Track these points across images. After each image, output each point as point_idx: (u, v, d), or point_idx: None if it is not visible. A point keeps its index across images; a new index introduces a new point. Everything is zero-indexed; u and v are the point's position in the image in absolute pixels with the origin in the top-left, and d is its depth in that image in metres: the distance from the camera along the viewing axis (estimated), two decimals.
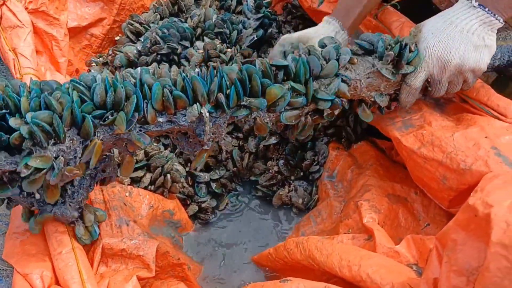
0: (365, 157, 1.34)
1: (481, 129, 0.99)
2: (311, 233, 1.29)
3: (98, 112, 0.87)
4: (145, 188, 1.27)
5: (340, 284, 0.89)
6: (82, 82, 0.88)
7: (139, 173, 1.29)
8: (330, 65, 1.01)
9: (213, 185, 1.39)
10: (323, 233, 1.27)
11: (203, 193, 1.38)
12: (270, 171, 1.42)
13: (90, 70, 1.53)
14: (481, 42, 1.03)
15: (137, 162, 1.30)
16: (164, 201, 1.27)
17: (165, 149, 1.39)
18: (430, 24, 1.07)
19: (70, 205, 0.94)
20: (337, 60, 1.03)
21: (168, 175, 1.29)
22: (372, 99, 1.08)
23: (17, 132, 0.78)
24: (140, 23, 1.56)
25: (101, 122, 0.87)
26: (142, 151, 1.31)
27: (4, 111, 0.80)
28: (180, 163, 1.37)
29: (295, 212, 1.38)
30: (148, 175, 1.29)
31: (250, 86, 0.95)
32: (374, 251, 0.99)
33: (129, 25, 1.57)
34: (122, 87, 0.88)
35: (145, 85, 0.91)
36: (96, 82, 0.88)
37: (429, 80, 1.06)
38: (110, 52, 1.57)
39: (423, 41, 1.06)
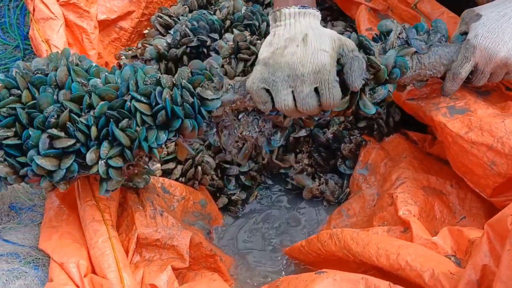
0: (398, 149, 1.32)
1: None
2: (343, 226, 1.28)
3: (163, 138, 0.94)
4: (176, 180, 1.27)
5: (377, 277, 0.88)
6: (142, 98, 0.92)
7: (170, 165, 1.29)
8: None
9: (243, 177, 1.39)
10: (356, 226, 1.25)
11: (233, 185, 1.38)
12: (300, 163, 1.41)
13: (119, 63, 1.54)
14: None
15: (168, 154, 1.31)
16: (195, 193, 1.27)
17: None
18: (484, 13, 1.04)
19: None
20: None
21: (199, 167, 1.29)
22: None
23: (96, 170, 0.91)
24: (169, 16, 1.56)
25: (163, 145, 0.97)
26: (173, 144, 1.31)
27: (78, 145, 0.91)
28: (209, 155, 1.37)
29: (326, 206, 1.37)
30: (179, 167, 1.29)
31: None
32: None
33: (158, 18, 1.57)
34: (187, 122, 0.94)
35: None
36: (156, 100, 0.92)
37: (472, 69, 1.04)
38: (139, 45, 1.58)
39: (474, 29, 1.03)
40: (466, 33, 1.06)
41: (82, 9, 1.41)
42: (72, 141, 0.90)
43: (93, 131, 0.90)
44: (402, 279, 0.89)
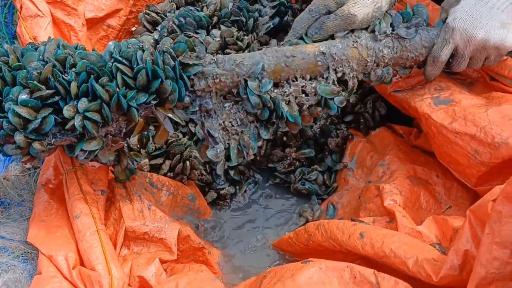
0: (384, 142, 1.34)
1: None
2: (330, 219, 1.29)
3: (142, 99, 0.94)
4: (164, 175, 1.28)
5: (363, 266, 0.89)
6: (124, 60, 0.94)
7: (159, 160, 1.30)
8: None
9: (231, 172, 1.40)
10: (343, 218, 1.26)
11: (222, 180, 1.39)
12: (288, 158, 1.42)
13: None
14: (509, 20, 1.02)
15: (156, 149, 1.31)
16: (184, 187, 1.28)
17: (184, 136, 1.39)
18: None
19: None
20: None
21: (187, 162, 1.30)
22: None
23: (72, 123, 0.90)
24: (157, 13, 1.56)
25: (145, 106, 0.96)
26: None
27: (57, 98, 0.91)
28: (198, 150, 1.38)
29: (314, 199, 1.38)
30: (167, 162, 1.30)
31: None
32: None
33: (145, 15, 1.57)
34: (167, 82, 0.94)
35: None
36: (137, 62, 0.94)
37: (452, 53, 1.06)
38: None
39: (453, 13, 1.06)
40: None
41: (69, 6, 1.41)
42: (51, 92, 0.90)
43: (73, 86, 0.90)
44: (387, 268, 0.91)
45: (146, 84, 0.94)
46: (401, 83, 1.17)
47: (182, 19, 1.44)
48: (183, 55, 0.97)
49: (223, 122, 1.03)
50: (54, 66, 0.92)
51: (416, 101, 1.10)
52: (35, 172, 1.22)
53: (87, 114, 0.90)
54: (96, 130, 0.92)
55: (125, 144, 1.23)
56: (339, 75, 1.04)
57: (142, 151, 1.30)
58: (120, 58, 0.93)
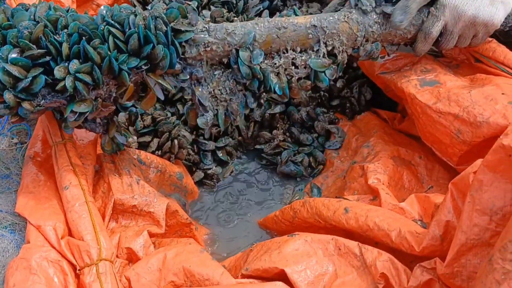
0: (369, 126, 1.37)
1: (497, 86, 1.02)
2: None
3: (134, 63, 0.94)
4: (152, 153, 1.28)
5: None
6: (116, 24, 0.94)
7: (147, 138, 1.30)
8: None
9: (219, 153, 1.41)
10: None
11: (209, 160, 1.40)
12: (275, 140, 1.44)
13: None
14: None
15: (144, 127, 1.32)
16: (171, 166, 1.29)
17: (172, 115, 1.40)
18: None
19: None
20: None
21: (175, 141, 1.31)
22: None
23: (62, 84, 0.89)
24: None
25: (136, 71, 0.96)
26: (150, 117, 1.33)
27: (48, 58, 0.90)
28: (186, 130, 1.39)
29: (299, 180, 1.40)
30: (156, 140, 1.30)
31: None
32: None
33: None
34: (159, 48, 0.94)
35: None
36: (129, 26, 0.94)
37: (442, 30, 1.08)
38: None
39: None
40: None
41: None
42: (42, 51, 0.89)
43: (65, 47, 0.90)
44: (370, 241, 0.93)
45: (137, 49, 0.94)
46: (389, 64, 1.20)
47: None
48: (175, 21, 0.98)
49: (213, 90, 1.04)
50: (45, 26, 0.91)
51: (403, 82, 1.12)
52: (22, 147, 1.22)
53: (78, 75, 0.89)
54: (86, 92, 0.91)
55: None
56: (329, 48, 1.05)
57: (131, 128, 1.31)
58: (112, 22, 0.93)
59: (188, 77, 1.02)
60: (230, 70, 1.04)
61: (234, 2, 1.44)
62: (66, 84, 0.89)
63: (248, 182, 1.41)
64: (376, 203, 1.06)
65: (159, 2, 1.45)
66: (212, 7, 1.43)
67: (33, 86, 0.89)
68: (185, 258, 0.94)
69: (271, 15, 1.56)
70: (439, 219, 0.79)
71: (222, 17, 1.35)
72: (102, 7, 0.98)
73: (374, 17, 1.07)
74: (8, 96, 0.88)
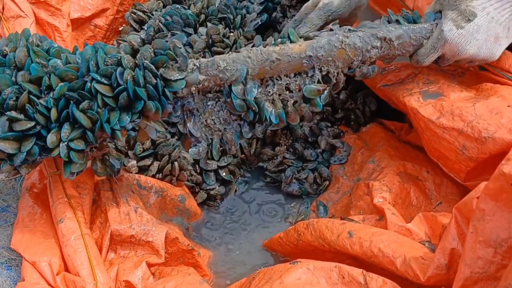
0: (375, 139, 1.33)
1: (502, 98, 0.97)
2: (322, 217, 1.28)
3: (126, 120, 0.92)
4: (153, 176, 1.26)
5: (352, 265, 0.88)
6: (103, 80, 0.90)
7: (147, 162, 1.28)
8: None
9: (221, 172, 1.38)
10: (334, 217, 1.25)
11: (212, 180, 1.37)
12: (278, 156, 1.40)
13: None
14: (504, 33, 1.00)
15: (144, 150, 1.29)
16: (173, 189, 1.26)
17: (172, 137, 1.38)
18: (465, 5, 1.00)
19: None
20: None
21: (176, 163, 1.28)
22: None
23: (56, 152, 0.89)
24: (143, 12, 1.55)
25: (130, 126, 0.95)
26: (149, 140, 1.30)
27: (38, 128, 0.90)
28: (187, 151, 1.36)
29: (305, 198, 1.37)
30: (156, 163, 1.28)
31: None
32: None
33: (132, 14, 1.55)
34: (150, 104, 0.92)
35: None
36: (117, 81, 0.90)
37: (438, 56, 1.05)
38: (115, 43, 1.56)
39: (449, 21, 1.02)
40: (439, 12, 1.06)
41: (53, 7, 1.40)
42: (32, 124, 0.88)
43: (53, 113, 0.88)
44: (376, 267, 0.89)
45: (128, 104, 0.92)
46: (390, 76, 1.16)
47: (168, 18, 1.42)
48: (164, 66, 0.94)
49: (206, 120, 1.01)
50: (29, 92, 0.89)
51: (405, 95, 1.08)
52: (21, 176, 1.20)
53: (71, 144, 0.89)
54: (81, 158, 0.91)
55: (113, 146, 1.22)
56: (324, 73, 1.02)
57: (130, 152, 1.28)
58: (98, 78, 0.90)
59: (180, 111, 0.99)
60: (224, 100, 1.01)
61: (232, 17, 1.41)
62: (61, 153, 0.88)
63: (253, 202, 1.38)
64: (382, 224, 1.02)
65: (156, 21, 1.44)
66: (209, 24, 1.40)
67: (28, 157, 0.89)
68: None
69: (271, 28, 1.53)
70: (444, 247, 0.75)
71: (218, 34, 1.32)
72: (87, 47, 0.94)
73: (377, 44, 1.03)
74: (6, 168, 0.89)
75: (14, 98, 0.88)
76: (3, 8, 1.28)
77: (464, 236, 0.74)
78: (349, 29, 1.04)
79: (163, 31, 1.41)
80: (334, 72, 1.01)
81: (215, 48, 1.31)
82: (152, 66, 0.92)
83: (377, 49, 1.03)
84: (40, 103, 0.89)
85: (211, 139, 1.02)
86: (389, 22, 1.07)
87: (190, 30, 1.41)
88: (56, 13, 1.40)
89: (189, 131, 1.00)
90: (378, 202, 1.06)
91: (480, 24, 0.99)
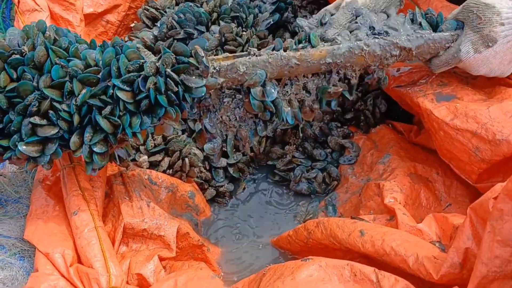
0: (385, 140, 1.33)
1: None
2: (331, 216, 1.28)
3: (147, 123, 0.93)
4: (164, 172, 1.27)
5: (362, 264, 0.88)
6: (125, 87, 0.91)
7: (158, 157, 1.29)
8: None
9: (231, 169, 1.39)
10: (343, 216, 1.26)
11: (221, 177, 1.38)
12: (288, 155, 1.41)
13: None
14: None
15: (155, 146, 1.30)
16: (183, 185, 1.27)
17: (183, 133, 1.39)
18: (488, 30, 1.01)
19: None
20: None
21: (186, 159, 1.29)
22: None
23: (79, 152, 0.92)
24: (156, 9, 1.56)
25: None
26: (160, 136, 1.31)
27: (61, 133, 0.91)
28: (197, 147, 1.37)
29: (314, 197, 1.37)
30: (167, 159, 1.29)
31: None
32: None
33: (145, 11, 1.56)
34: (171, 110, 0.94)
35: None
36: (139, 88, 0.91)
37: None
38: (126, 39, 1.57)
39: (468, 43, 1.03)
40: (462, 22, 1.06)
41: (67, 1, 1.40)
42: (55, 130, 0.89)
43: (76, 119, 0.89)
44: (387, 266, 0.90)
45: (149, 108, 0.93)
46: (404, 77, 1.17)
47: (181, 15, 1.43)
48: (185, 72, 0.95)
49: (221, 116, 1.02)
50: (52, 100, 0.89)
51: (419, 96, 1.09)
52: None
53: (94, 148, 0.91)
54: (103, 160, 0.93)
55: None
56: (341, 76, 1.03)
57: (141, 147, 1.29)
58: (121, 85, 0.91)
59: (196, 108, 1.00)
60: (240, 96, 1.02)
61: (244, 16, 1.42)
62: (84, 155, 0.92)
63: (261, 199, 1.39)
64: (393, 224, 1.03)
65: (169, 18, 1.44)
66: (222, 22, 1.41)
67: (52, 158, 0.92)
68: (196, 285, 0.91)
69: (282, 28, 1.54)
70: (458, 246, 0.76)
71: (231, 32, 1.33)
72: (108, 50, 0.94)
73: (396, 53, 1.04)
74: (30, 166, 0.93)
75: (37, 105, 0.89)
76: (18, 2, 1.29)
77: (478, 236, 0.74)
78: (373, 29, 1.05)
79: (176, 28, 1.42)
80: (351, 74, 1.03)
81: (227, 46, 1.32)
82: (174, 75, 0.93)
83: (396, 57, 1.05)
84: (63, 109, 0.90)
85: (226, 135, 1.03)
86: (412, 21, 1.07)
87: (203, 28, 1.42)
88: (70, 7, 1.41)
89: (204, 126, 1.00)
90: (389, 202, 1.07)
91: (497, 51, 1.01)
